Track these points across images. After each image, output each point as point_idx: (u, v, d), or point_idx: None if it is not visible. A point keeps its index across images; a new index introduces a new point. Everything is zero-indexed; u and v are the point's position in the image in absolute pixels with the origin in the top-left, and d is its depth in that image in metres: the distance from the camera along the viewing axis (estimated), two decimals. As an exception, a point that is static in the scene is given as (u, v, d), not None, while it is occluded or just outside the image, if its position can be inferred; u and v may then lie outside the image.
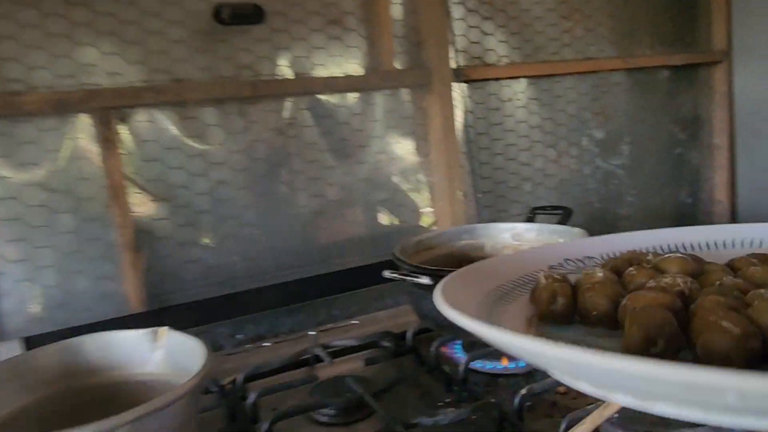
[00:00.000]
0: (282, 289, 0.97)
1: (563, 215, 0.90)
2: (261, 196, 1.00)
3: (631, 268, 0.47)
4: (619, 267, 0.50)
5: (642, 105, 1.39)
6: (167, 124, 0.93)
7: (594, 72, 1.31)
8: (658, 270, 0.47)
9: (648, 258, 0.51)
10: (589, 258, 0.57)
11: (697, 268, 0.47)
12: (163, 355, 0.45)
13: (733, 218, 1.49)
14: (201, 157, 0.95)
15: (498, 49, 1.21)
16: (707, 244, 0.58)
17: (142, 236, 0.92)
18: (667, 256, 0.49)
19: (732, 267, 0.48)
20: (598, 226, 1.37)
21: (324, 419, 0.67)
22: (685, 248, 0.57)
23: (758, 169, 1.36)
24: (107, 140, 0.88)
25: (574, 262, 0.56)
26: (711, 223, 1.53)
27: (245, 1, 0.94)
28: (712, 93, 1.48)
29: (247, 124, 0.98)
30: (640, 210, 1.42)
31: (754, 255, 0.49)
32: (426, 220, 1.15)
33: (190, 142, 0.95)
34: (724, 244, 0.58)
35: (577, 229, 0.83)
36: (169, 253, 0.94)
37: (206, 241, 0.96)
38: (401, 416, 0.61)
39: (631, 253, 0.53)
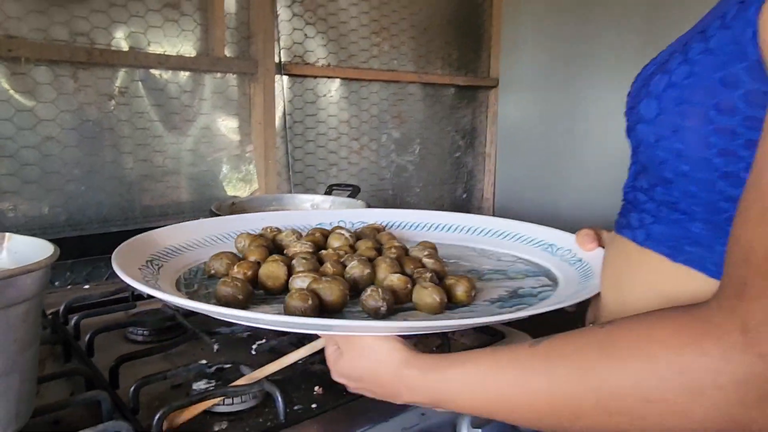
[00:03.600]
0: (103, 239, 1.07)
1: (353, 191, 1.14)
2: (88, 156, 1.09)
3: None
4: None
5: (431, 114, 1.71)
6: (-4, 77, 0.98)
7: (395, 81, 1.59)
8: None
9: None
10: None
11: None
12: (9, 255, 0.56)
13: (494, 213, 1.89)
14: (30, 113, 1.02)
15: (317, 51, 1.42)
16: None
17: (-38, 181, 0.96)
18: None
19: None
20: (390, 210, 1.64)
21: (139, 338, 0.81)
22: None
23: (513, 176, 1.75)
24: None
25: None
26: (479, 215, 1.91)
27: (86, -25, 1.02)
28: (486, 111, 1.86)
29: (79, 86, 1.06)
30: (424, 199, 1.74)
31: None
32: (243, 191, 1.32)
33: (19, 97, 1.01)
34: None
35: (359, 201, 1.06)
36: (-11, 200, 0.99)
37: (30, 191, 1.03)
38: (207, 328, 0.78)
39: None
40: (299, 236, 0.70)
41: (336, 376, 0.52)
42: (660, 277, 0.48)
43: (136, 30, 1.12)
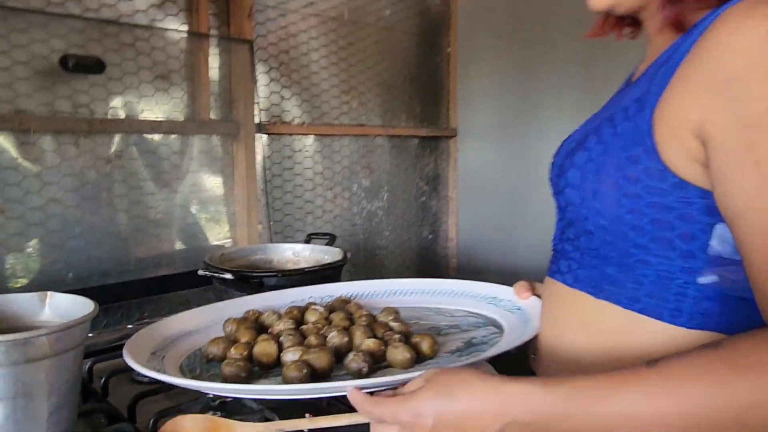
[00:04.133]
0: (102, 291, 1.17)
1: (330, 239, 1.27)
2: (88, 214, 1.19)
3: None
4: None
5: (397, 164, 1.86)
6: (6, 146, 1.09)
7: (364, 135, 1.74)
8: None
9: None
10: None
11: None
12: (51, 310, 0.66)
13: (458, 252, 2.03)
14: (37, 178, 1.13)
15: (293, 111, 1.56)
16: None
17: (-26, 242, 1.05)
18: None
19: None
20: (362, 252, 1.78)
21: (145, 379, 0.91)
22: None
23: (474, 218, 1.91)
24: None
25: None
26: (447, 255, 2.06)
27: (89, 54, 1.15)
28: (449, 158, 2.03)
29: (80, 152, 1.18)
30: (392, 242, 1.87)
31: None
32: (227, 241, 1.43)
33: (27, 164, 1.12)
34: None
35: (337, 249, 1.19)
36: (-2, 258, 1.09)
37: (35, 249, 1.13)
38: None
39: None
40: (279, 316, 0.77)
41: (407, 412, 0.49)
42: (586, 312, 0.61)
43: (130, 100, 1.25)
